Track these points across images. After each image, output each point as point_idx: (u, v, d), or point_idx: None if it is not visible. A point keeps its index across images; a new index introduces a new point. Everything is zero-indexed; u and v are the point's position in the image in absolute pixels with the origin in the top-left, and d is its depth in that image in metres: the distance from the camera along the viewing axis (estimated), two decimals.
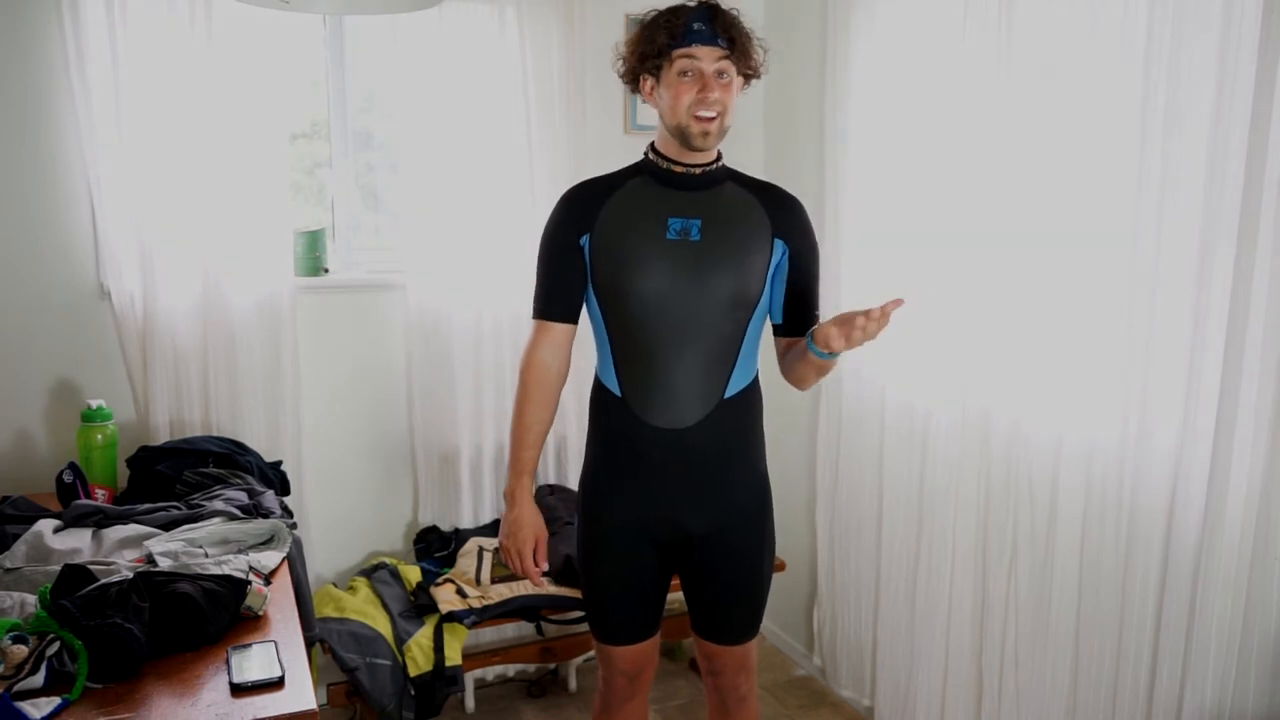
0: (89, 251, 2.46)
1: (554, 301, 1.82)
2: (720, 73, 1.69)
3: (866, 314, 1.53)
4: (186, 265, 2.49)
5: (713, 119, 1.69)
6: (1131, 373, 1.90)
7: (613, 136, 2.95)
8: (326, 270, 2.76)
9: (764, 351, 1.86)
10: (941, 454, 2.42)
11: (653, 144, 1.81)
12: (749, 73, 1.75)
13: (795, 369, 1.79)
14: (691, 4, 1.71)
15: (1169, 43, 1.77)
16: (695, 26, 1.67)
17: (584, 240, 1.78)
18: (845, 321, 1.55)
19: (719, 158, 1.81)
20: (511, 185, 2.80)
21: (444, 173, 2.73)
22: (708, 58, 1.67)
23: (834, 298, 2.66)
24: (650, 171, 1.79)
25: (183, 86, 2.42)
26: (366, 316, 2.81)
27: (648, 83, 1.76)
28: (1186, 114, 1.76)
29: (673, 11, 1.71)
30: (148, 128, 2.40)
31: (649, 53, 1.71)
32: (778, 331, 1.84)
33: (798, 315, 1.82)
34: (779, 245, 1.78)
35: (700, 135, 1.70)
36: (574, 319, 1.83)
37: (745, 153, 3.04)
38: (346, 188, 2.84)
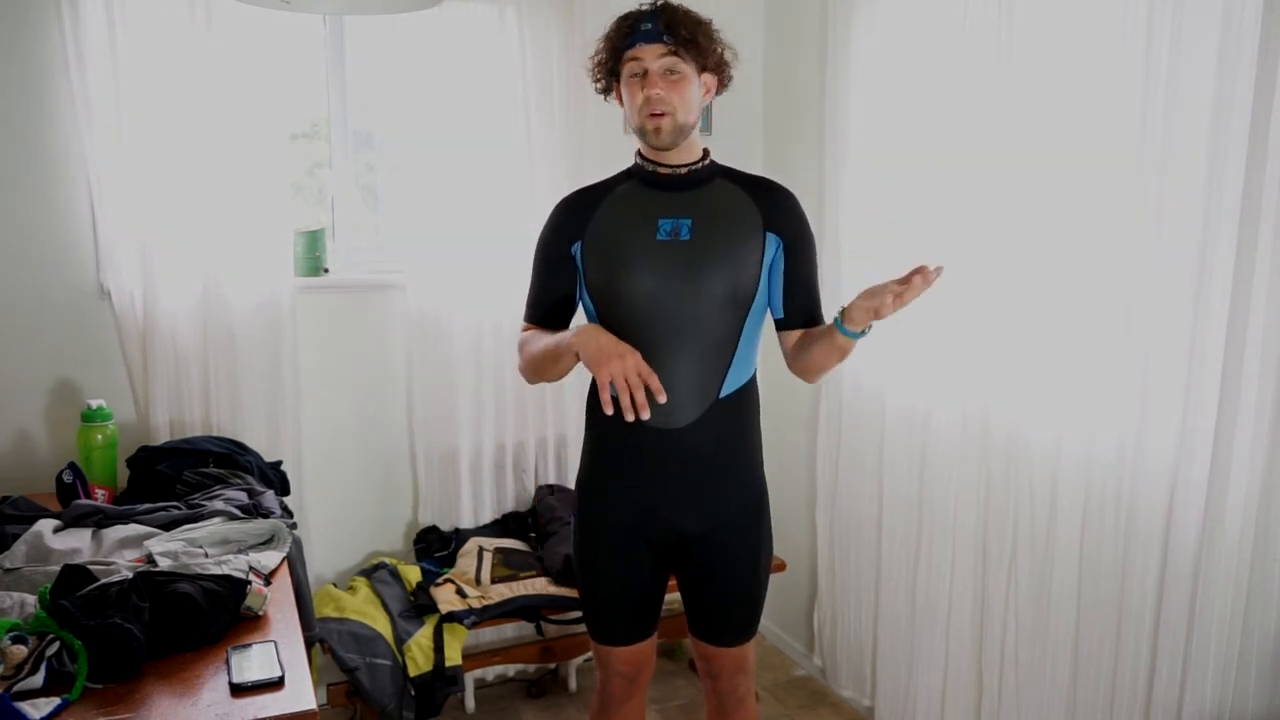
0: (89, 251, 2.46)
1: (542, 307, 1.85)
2: (669, 70, 1.69)
3: (900, 284, 1.54)
4: (187, 265, 2.49)
5: (663, 115, 1.69)
6: (1131, 372, 1.90)
7: (613, 136, 2.94)
8: (326, 270, 2.76)
9: (762, 352, 1.86)
10: (941, 454, 2.42)
11: (639, 149, 1.82)
12: (711, 68, 1.74)
13: (813, 356, 1.77)
14: (646, 7, 1.72)
15: (1169, 41, 1.77)
16: (642, 27, 1.69)
17: (575, 248, 1.79)
18: (874, 294, 1.56)
19: (706, 155, 1.81)
20: (511, 185, 2.80)
21: (444, 173, 2.73)
22: (652, 55, 1.68)
23: (834, 298, 2.65)
24: (639, 175, 1.81)
25: (183, 86, 2.42)
26: (366, 316, 2.81)
27: (617, 89, 1.78)
28: (1185, 115, 1.76)
29: (625, 16, 1.72)
30: (148, 128, 2.40)
31: (606, 60, 1.74)
32: (780, 325, 1.84)
33: (799, 307, 1.81)
34: (771, 239, 1.78)
35: (653, 132, 1.71)
36: (562, 326, 1.85)
37: (745, 152, 3.05)
38: (346, 188, 2.84)
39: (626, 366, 1.59)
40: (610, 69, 1.75)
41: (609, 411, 1.62)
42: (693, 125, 1.74)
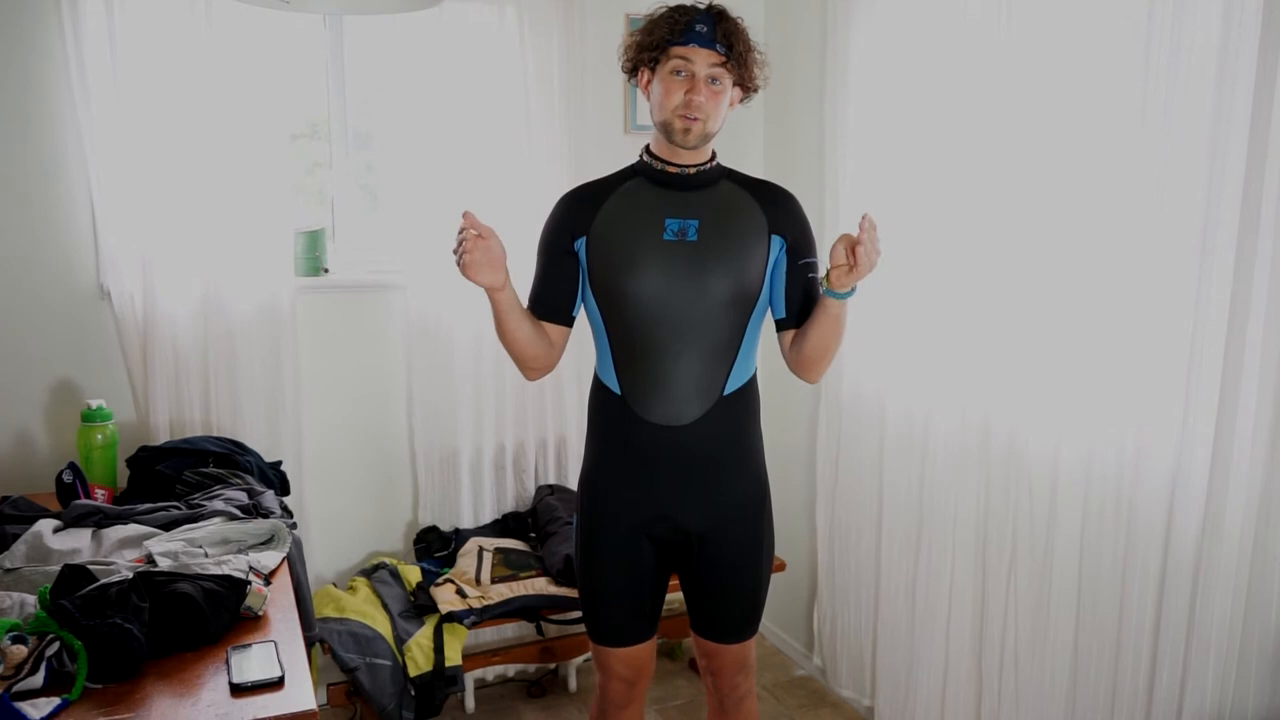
0: (89, 252, 2.46)
1: (542, 302, 1.85)
2: (712, 78, 1.69)
3: (856, 236, 1.59)
4: (186, 265, 2.49)
5: (696, 120, 1.70)
6: (1131, 373, 1.90)
7: (613, 136, 2.95)
8: (326, 270, 2.75)
9: (762, 351, 1.87)
10: (941, 454, 2.41)
11: (648, 146, 1.82)
12: (745, 84, 1.75)
13: (810, 339, 1.77)
14: (701, 6, 1.72)
15: (1168, 43, 1.77)
16: (698, 27, 1.68)
17: (579, 244, 1.79)
18: (844, 251, 1.61)
19: (713, 157, 1.81)
20: (511, 185, 2.79)
21: (443, 173, 2.72)
22: (702, 60, 1.68)
23: None
24: (645, 173, 1.80)
25: (183, 87, 2.42)
26: (367, 317, 2.81)
27: (645, 76, 1.77)
28: (1185, 116, 1.76)
29: (680, 9, 1.72)
30: (148, 128, 2.40)
31: (648, 45, 1.73)
32: (781, 326, 1.84)
33: (801, 308, 1.81)
34: (776, 241, 1.79)
35: (681, 132, 1.71)
36: (560, 320, 1.84)
37: (745, 152, 3.05)
38: (346, 188, 2.84)
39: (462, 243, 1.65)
40: (650, 57, 1.73)
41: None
42: (715, 134, 1.75)
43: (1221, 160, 1.69)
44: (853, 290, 1.67)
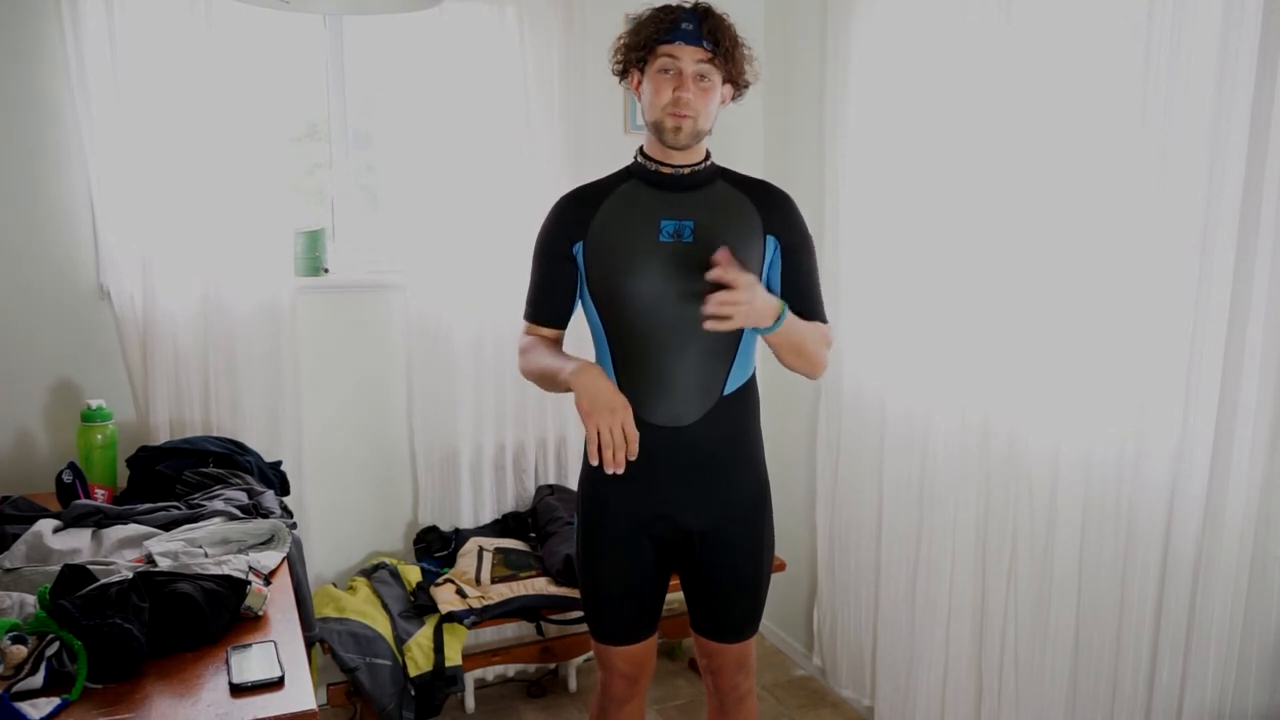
0: (89, 252, 2.46)
1: (542, 308, 1.86)
2: (700, 75, 1.70)
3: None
4: (186, 265, 2.49)
5: (686, 118, 1.70)
6: (1131, 373, 1.90)
7: (613, 136, 2.95)
8: (326, 270, 2.75)
9: (761, 351, 1.86)
10: (941, 454, 2.41)
11: (641, 147, 1.82)
12: (735, 80, 1.75)
13: (781, 359, 1.80)
14: (688, 4, 1.72)
15: (1168, 43, 1.77)
16: (683, 25, 1.68)
17: (577, 248, 1.80)
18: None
19: (707, 156, 1.81)
20: (510, 185, 2.80)
21: (443, 173, 2.73)
22: (689, 57, 1.68)
23: (833, 301, 2.65)
24: (640, 175, 1.81)
25: (183, 87, 2.42)
26: (367, 317, 2.81)
27: (635, 77, 1.77)
28: (1185, 116, 1.76)
29: (666, 8, 1.72)
30: (148, 128, 2.40)
31: (635, 45, 1.73)
32: None
33: (796, 308, 1.81)
34: (771, 241, 1.79)
35: (672, 131, 1.71)
36: (562, 325, 1.87)
37: (745, 153, 3.05)
38: (346, 188, 2.84)
39: (614, 423, 1.61)
40: (638, 57, 1.74)
41: (594, 464, 1.64)
42: (707, 132, 1.75)
43: (1221, 160, 1.69)
44: (778, 322, 1.66)
